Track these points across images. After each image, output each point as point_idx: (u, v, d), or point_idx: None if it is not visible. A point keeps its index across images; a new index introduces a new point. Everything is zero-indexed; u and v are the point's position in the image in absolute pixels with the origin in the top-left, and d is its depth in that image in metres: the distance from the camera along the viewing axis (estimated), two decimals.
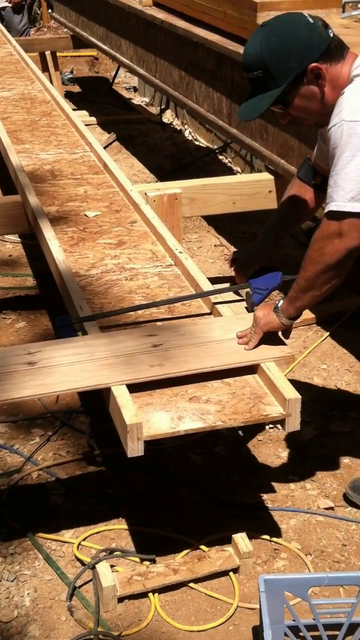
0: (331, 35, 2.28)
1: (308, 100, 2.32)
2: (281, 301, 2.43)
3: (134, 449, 2.23)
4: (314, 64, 2.25)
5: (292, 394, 2.34)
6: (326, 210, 2.23)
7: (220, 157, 6.89)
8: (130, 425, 2.20)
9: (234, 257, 2.84)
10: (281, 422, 2.37)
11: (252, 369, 2.49)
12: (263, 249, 2.77)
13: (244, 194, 4.19)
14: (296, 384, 3.52)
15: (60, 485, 2.98)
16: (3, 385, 2.35)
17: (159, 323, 2.71)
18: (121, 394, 2.32)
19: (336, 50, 2.28)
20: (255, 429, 3.25)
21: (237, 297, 2.82)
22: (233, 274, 2.83)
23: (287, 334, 2.55)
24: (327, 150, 2.30)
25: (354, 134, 2.15)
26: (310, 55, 2.25)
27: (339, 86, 2.27)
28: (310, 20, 2.29)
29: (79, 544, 2.69)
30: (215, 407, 2.34)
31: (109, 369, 2.41)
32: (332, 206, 2.21)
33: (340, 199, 2.19)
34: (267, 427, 3.25)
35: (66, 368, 2.42)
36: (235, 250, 2.81)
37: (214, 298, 2.79)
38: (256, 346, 2.50)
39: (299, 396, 2.33)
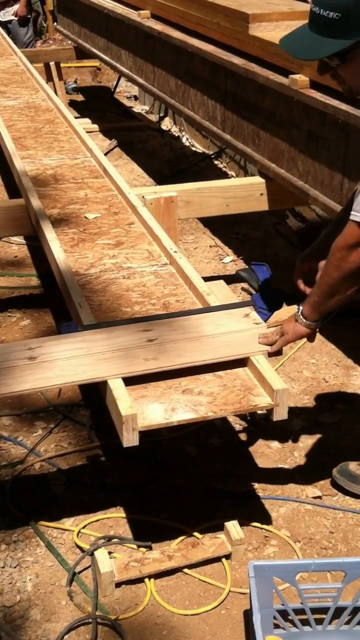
0: None
1: None
2: (300, 310, 2.40)
3: (129, 439, 2.21)
4: None
5: (279, 384, 2.31)
6: (350, 219, 2.20)
7: (216, 162, 6.85)
8: (126, 417, 2.18)
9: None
10: (270, 412, 2.34)
11: (242, 362, 2.46)
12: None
13: (236, 196, 4.17)
14: (286, 377, 3.52)
15: (61, 475, 2.95)
16: (4, 380, 2.33)
17: None
18: (117, 387, 2.30)
19: None
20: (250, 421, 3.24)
21: (231, 302, 2.80)
22: (226, 273, 2.78)
23: (312, 338, 2.50)
24: None
25: None
26: None
27: None
28: None
29: (79, 531, 2.67)
30: (207, 398, 2.32)
31: (106, 363, 2.39)
32: (355, 217, 2.17)
33: None
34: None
35: (65, 362, 2.39)
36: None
37: (207, 297, 2.75)
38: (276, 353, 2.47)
39: (286, 386, 2.31)
